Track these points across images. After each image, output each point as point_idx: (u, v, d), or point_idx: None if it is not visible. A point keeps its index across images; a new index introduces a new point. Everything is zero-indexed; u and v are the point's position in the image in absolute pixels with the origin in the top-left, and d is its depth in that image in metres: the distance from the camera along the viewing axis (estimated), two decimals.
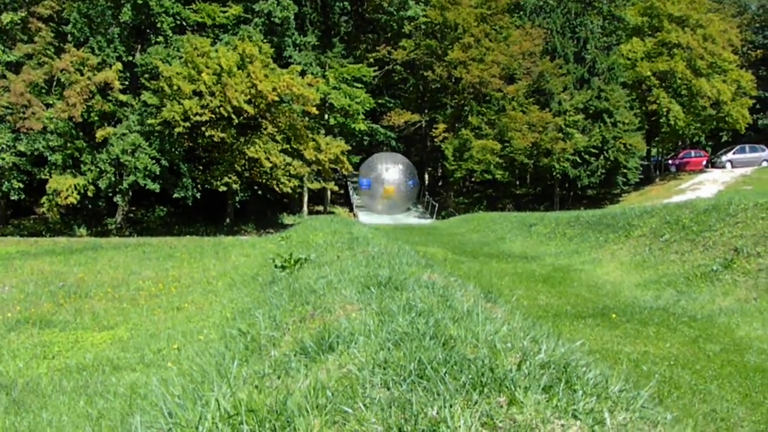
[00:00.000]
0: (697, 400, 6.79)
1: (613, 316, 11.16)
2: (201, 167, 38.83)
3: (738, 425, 6.21)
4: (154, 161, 36.04)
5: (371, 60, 48.67)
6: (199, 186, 38.14)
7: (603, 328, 10.17)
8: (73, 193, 35.17)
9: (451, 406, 2.85)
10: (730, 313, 11.40)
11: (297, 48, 44.63)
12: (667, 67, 49.01)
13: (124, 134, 36.55)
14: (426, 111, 51.42)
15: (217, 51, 36.37)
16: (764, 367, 8.09)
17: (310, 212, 45.36)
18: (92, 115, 36.74)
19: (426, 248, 20.50)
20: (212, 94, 35.12)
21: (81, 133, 37.06)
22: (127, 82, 39.17)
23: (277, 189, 38.07)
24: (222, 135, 35.41)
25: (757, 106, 56.36)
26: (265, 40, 39.42)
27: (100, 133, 36.13)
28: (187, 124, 34.82)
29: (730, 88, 50.14)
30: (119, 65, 37.30)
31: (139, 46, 41.01)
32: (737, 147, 53.64)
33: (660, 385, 7.12)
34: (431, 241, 24.65)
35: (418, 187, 50.31)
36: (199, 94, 35.35)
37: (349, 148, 42.52)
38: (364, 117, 46.49)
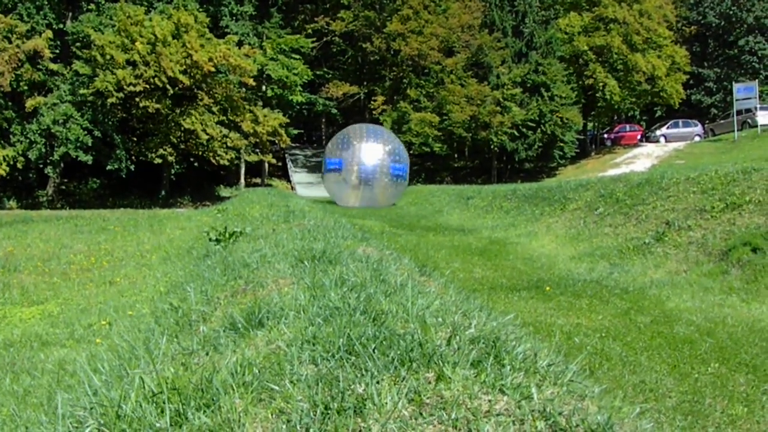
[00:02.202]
0: (627, 371, 6.89)
1: (548, 288, 11.28)
2: (135, 139, 38.12)
3: (666, 396, 6.32)
4: (86, 132, 35.21)
5: (309, 31, 48.17)
6: (133, 158, 37.48)
7: (537, 300, 10.27)
8: (2, 164, 34.26)
9: (378, 383, 2.81)
10: (661, 286, 11.61)
11: (234, 18, 43.96)
12: (604, 42, 49.56)
13: (55, 104, 35.63)
14: (365, 83, 51.22)
15: (151, 20, 35.60)
16: (692, 339, 8.25)
17: (248, 185, 44.94)
18: (21, 84, 35.74)
19: (363, 221, 20.47)
20: (146, 63, 34.42)
21: (10, 103, 36.04)
22: (57, 51, 38.09)
23: (214, 161, 37.64)
24: (157, 106, 34.79)
25: (691, 81, 57.44)
26: (200, 9, 38.73)
27: (29, 103, 35.15)
28: (121, 94, 34.11)
29: (664, 64, 50.97)
30: (49, 33, 36.26)
31: (70, 14, 39.93)
32: (671, 122, 54.68)
33: (591, 356, 7.21)
34: (369, 213, 24.64)
35: (408, 173, 33.01)
36: (132, 64, 34.63)
37: (287, 120, 42.17)
38: (302, 89, 46.11)
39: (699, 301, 10.49)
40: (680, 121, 54.15)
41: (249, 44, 41.61)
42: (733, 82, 47.90)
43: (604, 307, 9.95)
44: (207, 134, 35.79)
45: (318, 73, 50.16)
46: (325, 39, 49.99)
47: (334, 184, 31.81)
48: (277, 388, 2.90)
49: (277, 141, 41.83)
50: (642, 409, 3.41)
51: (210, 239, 11.11)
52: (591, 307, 9.90)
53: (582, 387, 3.07)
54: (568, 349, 7.16)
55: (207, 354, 3.94)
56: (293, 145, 51.89)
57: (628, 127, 57.31)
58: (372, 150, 30.95)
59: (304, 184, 46.81)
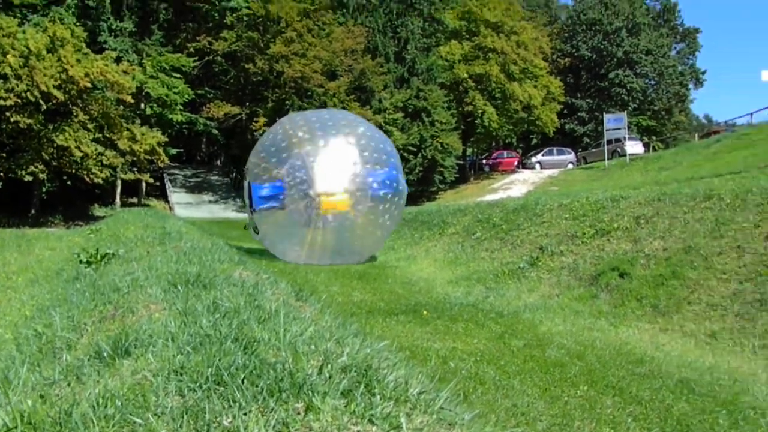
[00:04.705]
0: (500, 395, 7.00)
1: (425, 312, 11.37)
2: (4, 155, 36.49)
3: (537, 419, 6.44)
4: None
5: (191, 49, 47.44)
6: (1, 175, 35.88)
7: (414, 324, 10.33)
8: None
9: (246, 414, 2.74)
10: (534, 309, 11.92)
11: (113, 33, 42.88)
12: (483, 71, 50.95)
13: None
14: (247, 104, 50.74)
15: (24, 32, 34.26)
16: (563, 362, 8.47)
17: (124, 204, 43.70)
18: None
19: (242, 243, 20.24)
20: (18, 77, 33.05)
21: None
22: None
23: (88, 179, 36.36)
24: (29, 121, 33.40)
25: (565, 111, 59.71)
26: (78, 24, 37.54)
27: None
28: None
29: (540, 93, 52.81)
30: None
31: None
32: (546, 149, 56.52)
33: (466, 381, 7.28)
34: (248, 236, 24.33)
35: (403, 181, 18.86)
36: (3, 77, 33.19)
37: (167, 139, 41.23)
38: (182, 108, 45.30)
39: (570, 324, 10.81)
40: (555, 149, 56.01)
41: (128, 61, 40.56)
42: (604, 113, 49.93)
43: (479, 331, 10.10)
44: (81, 151, 34.56)
45: (199, 92, 49.44)
46: (207, 58, 49.32)
47: (274, 227, 17.86)
48: (140, 421, 2.78)
49: (155, 160, 40.83)
50: None
51: (81, 261, 10.74)
52: (467, 331, 10.03)
53: (452, 414, 3.08)
54: (444, 374, 7.22)
55: (69, 385, 3.77)
56: (172, 164, 50.86)
57: (505, 153, 58.86)
58: (332, 153, 17.29)
59: (182, 204, 45.94)
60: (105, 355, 4.07)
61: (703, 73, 75.02)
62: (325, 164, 16.94)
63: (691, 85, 73.32)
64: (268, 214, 17.43)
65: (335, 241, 17.36)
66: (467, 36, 53.42)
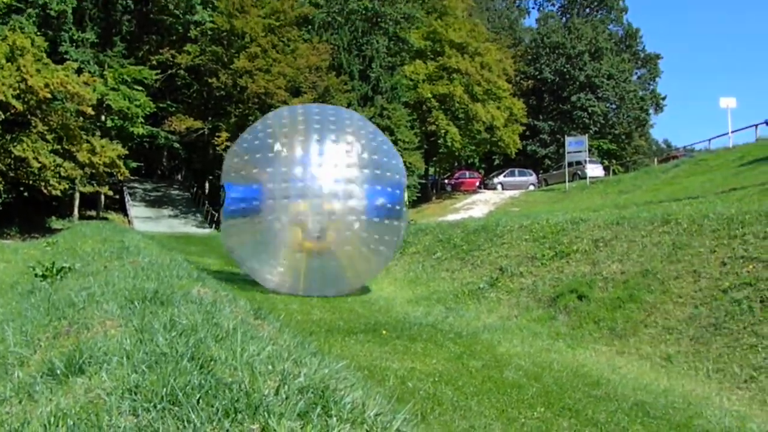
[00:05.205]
0: (458, 416, 6.98)
1: (384, 331, 11.33)
2: None
3: None
4: None
5: (154, 62, 47.11)
6: None
7: (373, 344, 10.29)
8: None
9: None
10: (493, 330, 11.94)
11: (74, 44, 42.44)
12: (447, 91, 51.30)
13: None
14: (209, 118, 50.41)
15: None
16: (520, 383, 8.49)
17: (82, 217, 43.08)
18: None
19: (202, 259, 20.08)
20: None
21: None
22: None
23: (46, 191, 35.85)
24: None
25: (527, 133, 60.33)
26: (39, 33, 37.12)
27: None
28: None
29: (503, 115, 53.28)
30: None
31: None
32: (508, 170, 57.00)
33: (424, 401, 7.26)
34: (208, 251, 24.15)
35: (405, 201, 15.60)
36: None
37: (127, 152, 40.81)
38: (143, 121, 44.85)
39: (528, 346, 10.85)
40: (516, 170, 56.51)
41: (89, 72, 40.09)
42: (565, 136, 50.55)
43: (438, 351, 10.08)
44: (39, 163, 34.07)
45: (161, 105, 48.97)
46: (169, 71, 48.98)
47: (247, 238, 15.14)
48: None
49: (114, 173, 40.34)
50: None
51: (36, 275, 10.59)
52: (426, 351, 10.01)
53: None
54: (402, 394, 7.20)
55: (20, 402, 3.71)
56: (132, 177, 50.31)
57: (467, 173, 59.28)
58: (326, 160, 14.49)
59: (142, 218, 45.46)
60: (58, 372, 4.01)
61: (663, 98, 76.34)
62: (312, 171, 14.31)
63: (651, 110, 74.54)
64: (237, 223, 15.02)
65: (326, 268, 15.10)
66: (432, 56, 53.80)
